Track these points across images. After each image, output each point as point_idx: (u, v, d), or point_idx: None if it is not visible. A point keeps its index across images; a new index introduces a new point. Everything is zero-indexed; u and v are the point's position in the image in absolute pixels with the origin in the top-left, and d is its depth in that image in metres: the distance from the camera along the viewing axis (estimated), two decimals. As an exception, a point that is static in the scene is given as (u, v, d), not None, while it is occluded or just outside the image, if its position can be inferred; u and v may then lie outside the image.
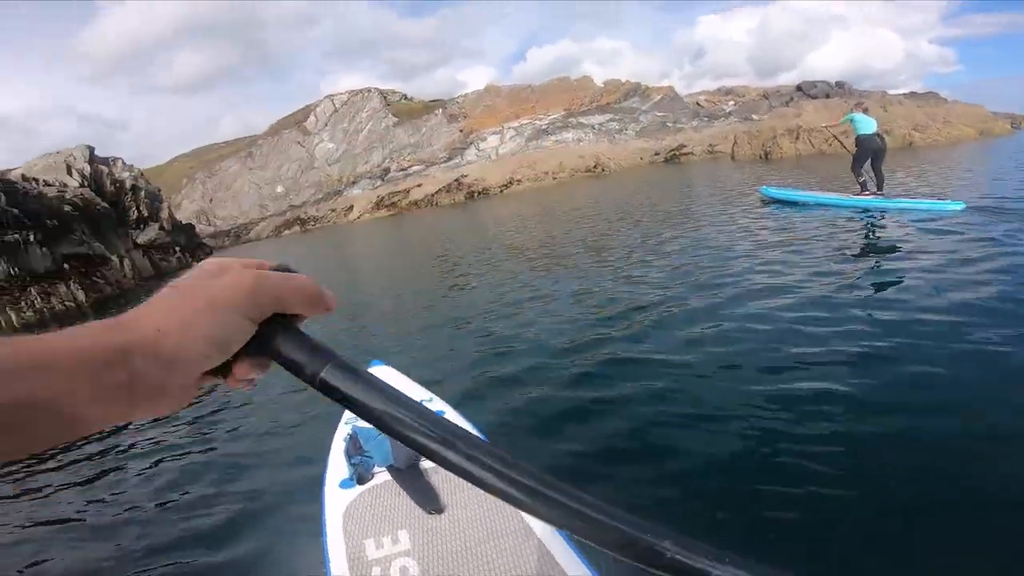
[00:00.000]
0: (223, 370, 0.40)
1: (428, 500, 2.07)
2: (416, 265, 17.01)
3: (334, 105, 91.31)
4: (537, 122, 60.01)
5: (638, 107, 61.63)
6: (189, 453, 5.00)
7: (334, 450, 2.63)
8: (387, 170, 69.40)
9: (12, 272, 24.51)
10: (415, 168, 63.86)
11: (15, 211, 27.31)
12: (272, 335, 0.39)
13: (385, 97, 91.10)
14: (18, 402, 0.29)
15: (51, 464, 5.23)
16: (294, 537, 3.04)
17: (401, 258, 21.63)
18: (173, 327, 0.35)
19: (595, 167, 46.52)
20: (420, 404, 0.41)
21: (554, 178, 42.60)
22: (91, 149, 47.06)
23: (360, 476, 2.27)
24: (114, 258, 31.30)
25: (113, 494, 4.44)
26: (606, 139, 54.73)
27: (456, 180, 52.25)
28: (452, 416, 2.71)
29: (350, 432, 2.59)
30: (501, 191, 45.43)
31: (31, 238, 26.36)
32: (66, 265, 27.05)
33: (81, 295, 26.26)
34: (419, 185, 55.41)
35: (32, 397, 0.29)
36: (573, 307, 7.38)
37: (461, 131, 66.07)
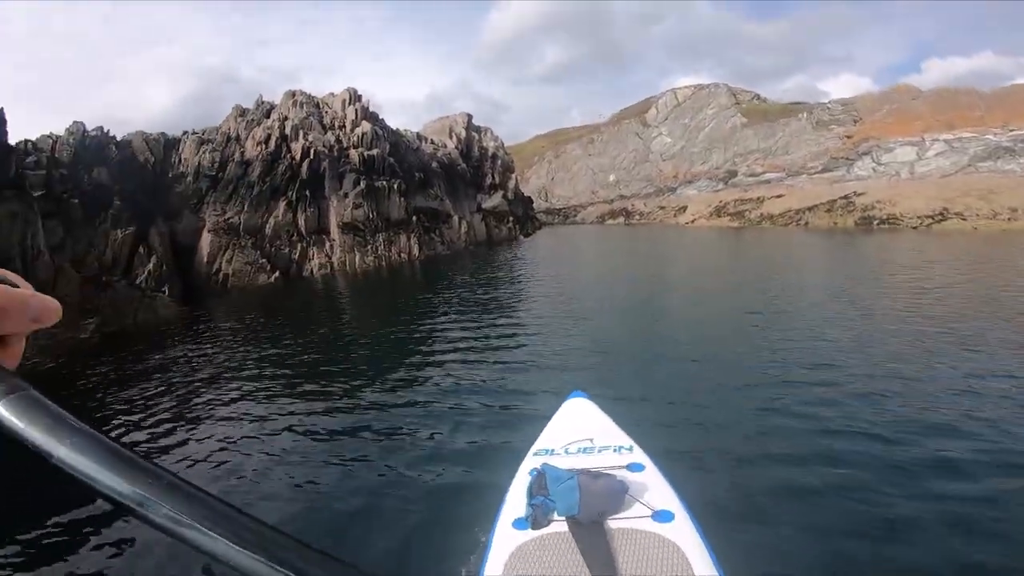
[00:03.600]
0: None
1: (602, 564, 1.70)
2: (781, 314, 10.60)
3: (677, 99, 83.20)
4: (991, 136, 39.22)
5: None
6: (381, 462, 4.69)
7: (516, 484, 2.32)
8: (733, 172, 58.00)
9: (371, 216, 24.23)
10: (770, 175, 50.84)
11: (391, 160, 27.70)
12: None
13: (735, 95, 78.47)
14: None
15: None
16: (455, 564, 2.93)
17: (752, 294, 12.39)
18: None
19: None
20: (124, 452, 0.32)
21: (1036, 219, 25.08)
22: (469, 117, 49.70)
23: (536, 520, 1.97)
24: (455, 217, 30.26)
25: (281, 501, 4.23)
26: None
27: (844, 198, 37.43)
28: (649, 471, 2.19)
29: (539, 468, 2.18)
30: (923, 223, 29.31)
31: (395, 187, 26.08)
32: (414, 217, 26.27)
33: (416, 249, 24.89)
34: (779, 196, 42.42)
35: None
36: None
37: (849, 137, 49.42)
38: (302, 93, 29.76)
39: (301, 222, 23.01)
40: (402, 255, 24.28)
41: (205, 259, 21.51)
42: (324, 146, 25.66)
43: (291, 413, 6.10)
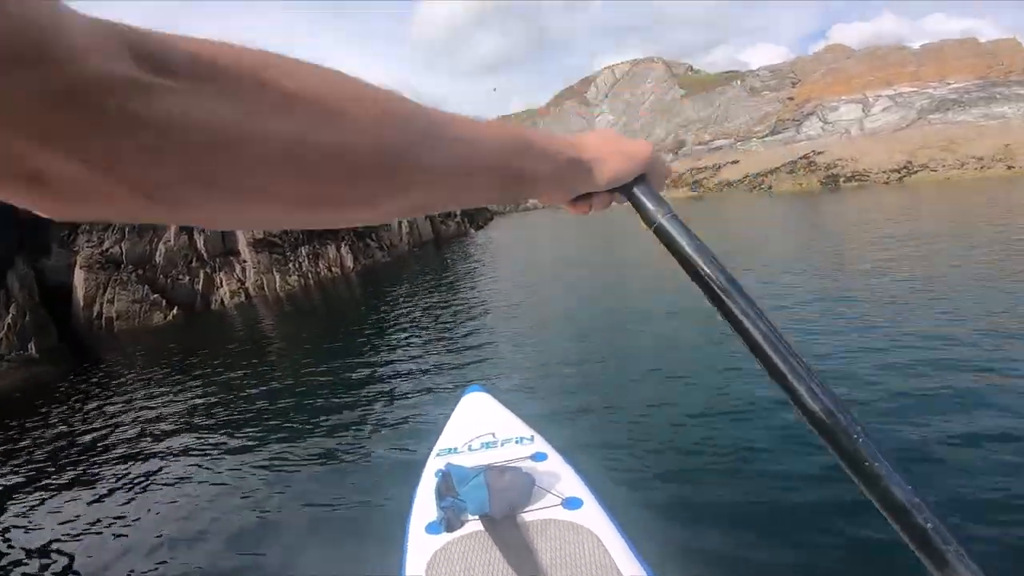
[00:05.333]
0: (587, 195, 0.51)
1: (522, 559, 1.69)
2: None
3: (615, 75, 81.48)
4: (931, 90, 38.36)
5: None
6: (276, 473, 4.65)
7: (422, 488, 2.23)
8: (682, 143, 56.18)
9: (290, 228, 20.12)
10: (720, 142, 49.15)
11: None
12: (633, 185, 0.50)
13: (670, 68, 77.46)
14: (520, 170, 0.42)
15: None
16: None
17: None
18: (604, 158, 0.47)
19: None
20: (730, 275, 0.45)
21: (1009, 167, 23.33)
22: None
23: (450, 522, 1.89)
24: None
25: (181, 518, 4.23)
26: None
27: (804, 158, 35.51)
28: (553, 459, 2.25)
29: (443, 469, 2.07)
30: (891, 179, 27.48)
31: (317, 189, 21.98)
32: (345, 223, 22.29)
33: (350, 260, 20.98)
34: (734, 163, 40.43)
35: (528, 169, 0.42)
36: None
37: (791, 99, 48.13)
38: None
39: (200, 244, 18.70)
40: (333, 269, 20.33)
41: (82, 302, 17.03)
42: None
43: (180, 460, 5.53)
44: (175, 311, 17.32)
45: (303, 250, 19.80)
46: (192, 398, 8.01)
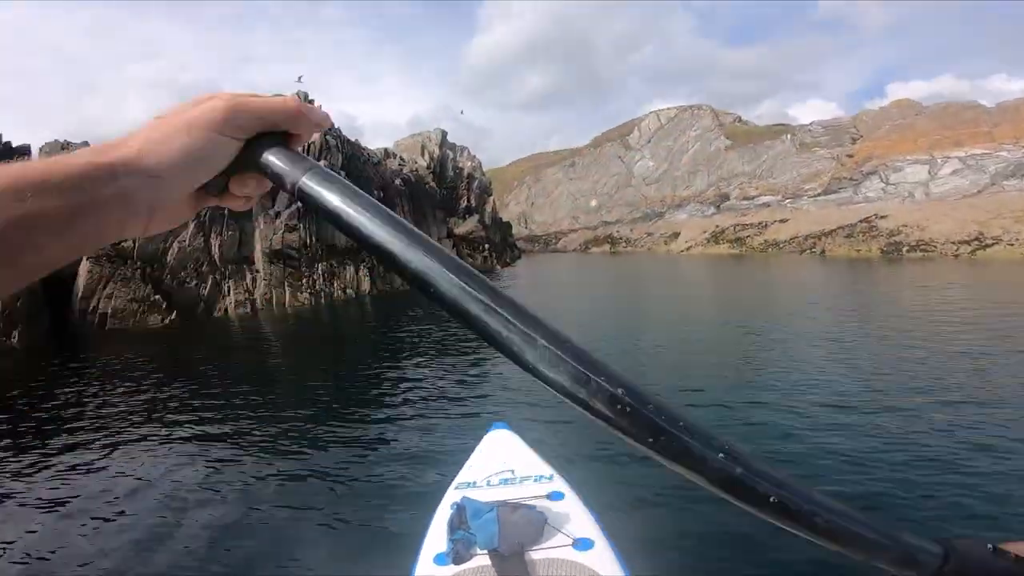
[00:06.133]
0: (220, 193, 0.41)
1: None
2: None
3: (660, 121, 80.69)
4: (1006, 153, 35.82)
5: None
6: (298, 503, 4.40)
7: (437, 517, 2.25)
8: (725, 196, 54.45)
9: (308, 241, 19.06)
10: (766, 198, 47.12)
11: (343, 174, 22.60)
12: (257, 151, 0.39)
13: (717, 116, 76.28)
14: (17, 221, 0.30)
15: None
16: None
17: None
18: (153, 146, 0.36)
19: None
20: (398, 220, 0.36)
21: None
22: (444, 133, 45.22)
23: (458, 555, 1.91)
24: (420, 244, 25.21)
25: (190, 547, 3.89)
26: None
27: (864, 221, 33.07)
28: (569, 499, 2.20)
29: (458, 502, 2.11)
30: (962, 250, 24.85)
31: (344, 206, 20.99)
32: (368, 243, 21.15)
33: (367, 283, 19.71)
34: (783, 221, 38.19)
35: (29, 215, 0.30)
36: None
37: (851, 156, 46.02)
38: None
39: (215, 248, 17.70)
40: (347, 291, 19.08)
41: (81, 292, 16.07)
42: (257, 157, 20.59)
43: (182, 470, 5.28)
44: (174, 315, 16.18)
45: (319, 267, 18.64)
46: (176, 412, 7.30)
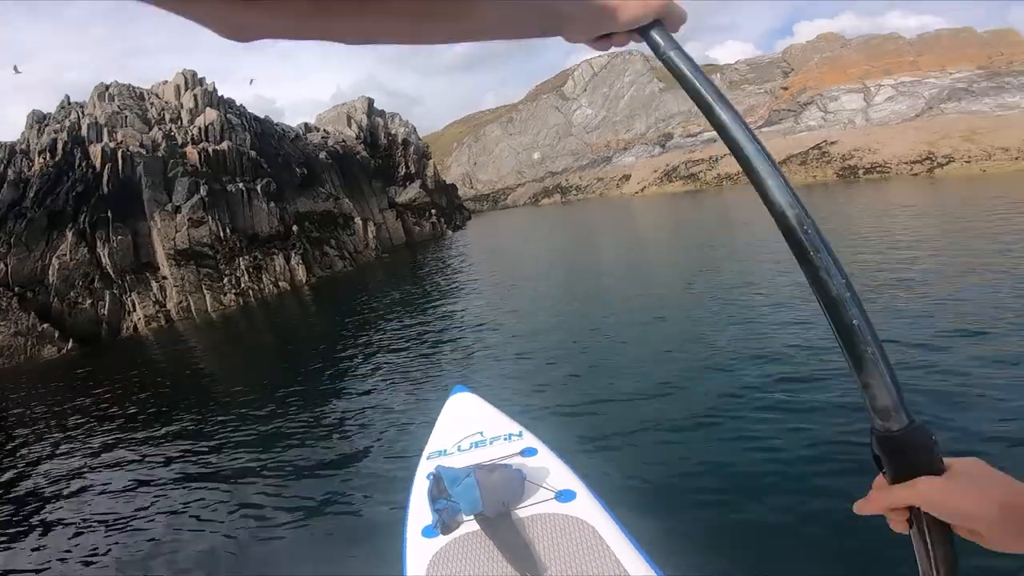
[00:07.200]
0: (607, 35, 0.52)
1: (521, 554, 1.67)
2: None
3: (592, 69, 78.67)
4: (934, 80, 35.87)
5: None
6: (264, 493, 4.42)
7: (415, 492, 2.19)
8: (668, 135, 53.42)
9: (222, 234, 16.24)
10: (710, 134, 46.28)
11: (252, 154, 19.57)
12: (650, 28, 0.52)
13: (648, 61, 75.05)
14: (560, 11, 0.45)
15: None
16: None
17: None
18: (627, 2, 0.49)
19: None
20: (728, 104, 0.51)
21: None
22: (370, 101, 41.34)
23: (445, 525, 1.87)
24: (358, 220, 22.54)
25: (178, 529, 4.13)
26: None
27: (816, 148, 32.55)
28: (543, 454, 2.22)
29: (434, 472, 2.03)
30: (918, 170, 24.60)
31: (260, 189, 18.07)
32: (296, 227, 18.45)
33: (302, 273, 17.18)
34: (728, 155, 37.56)
35: (569, 11, 0.46)
36: None
37: (785, 89, 45.49)
38: (118, 84, 20.94)
39: (104, 258, 14.76)
40: (281, 284, 16.53)
41: (-54, 339, 13.09)
42: (143, 146, 17.28)
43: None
44: (70, 344, 13.42)
45: (241, 262, 15.97)
46: (93, 443, 6.63)
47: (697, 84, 0.50)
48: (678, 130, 54.60)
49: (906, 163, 25.78)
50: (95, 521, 4.69)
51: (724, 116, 0.49)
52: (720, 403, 4.47)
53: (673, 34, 0.53)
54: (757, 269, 9.48)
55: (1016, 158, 22.49)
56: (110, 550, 4.16)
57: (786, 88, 45.23)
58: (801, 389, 4.51)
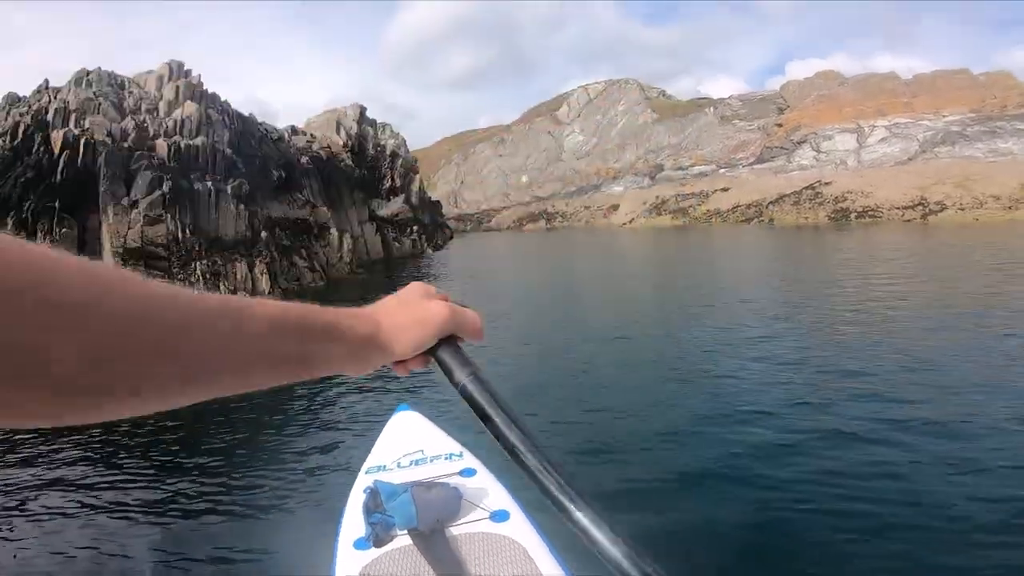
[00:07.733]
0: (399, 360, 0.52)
1: (451, 571, 1.66)
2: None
3: (588, 95, 79.64)
4: (928, 122, 36.65)
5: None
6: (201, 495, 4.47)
7: (351, 504, 2.08)
8: (659, 167, 53.74)
9: (180, 234, 15.02)
10: (702, 168, 46.66)
11: (227, 152, 18.47)
12: (439, 347, 0.51)
13: (644, 90, 76.28)
14: (308, 356, 0.41)
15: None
16: None
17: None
18: (402, 328, 0.49)
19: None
20: (536, 440, 0.49)
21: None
22: (362, 109, 40.60)
23: (378, 538, 1.80)
24: (333, 232, 21.47)
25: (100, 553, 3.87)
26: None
27: (810, 188, 32.70)
28: (482, 474, 2.20)
29: (371, 486, 1.93)
30: (910, 216, 24.69)
31: (230, 190, 16.92)
32: (265, 233, 17.31)
33: (265, 283, 16.01)
34: (724, 190, 37.46)
35: (323, 354, 0.43)
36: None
37: (780, 126, 46.24)
38: (100, 71, 19.76)
39: (44, 252, 13.37)
40: (239, 294, 15.31)
41: None
42: (110, 135, 16.06)
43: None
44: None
45: (197, 267, 14.74)
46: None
47: (495, 417, 0.49)
48: (668, 162, 55.11)
49: (898, 208, 26.02)
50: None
51: (524, 456, 0.49)
52: (656, 431, 4.72)
53: (476, 342, 0.51)
54: (740, 321, 9.20)
55: (1008, 207, 22.82)
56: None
57: (780, 125, 45.96)
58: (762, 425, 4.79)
